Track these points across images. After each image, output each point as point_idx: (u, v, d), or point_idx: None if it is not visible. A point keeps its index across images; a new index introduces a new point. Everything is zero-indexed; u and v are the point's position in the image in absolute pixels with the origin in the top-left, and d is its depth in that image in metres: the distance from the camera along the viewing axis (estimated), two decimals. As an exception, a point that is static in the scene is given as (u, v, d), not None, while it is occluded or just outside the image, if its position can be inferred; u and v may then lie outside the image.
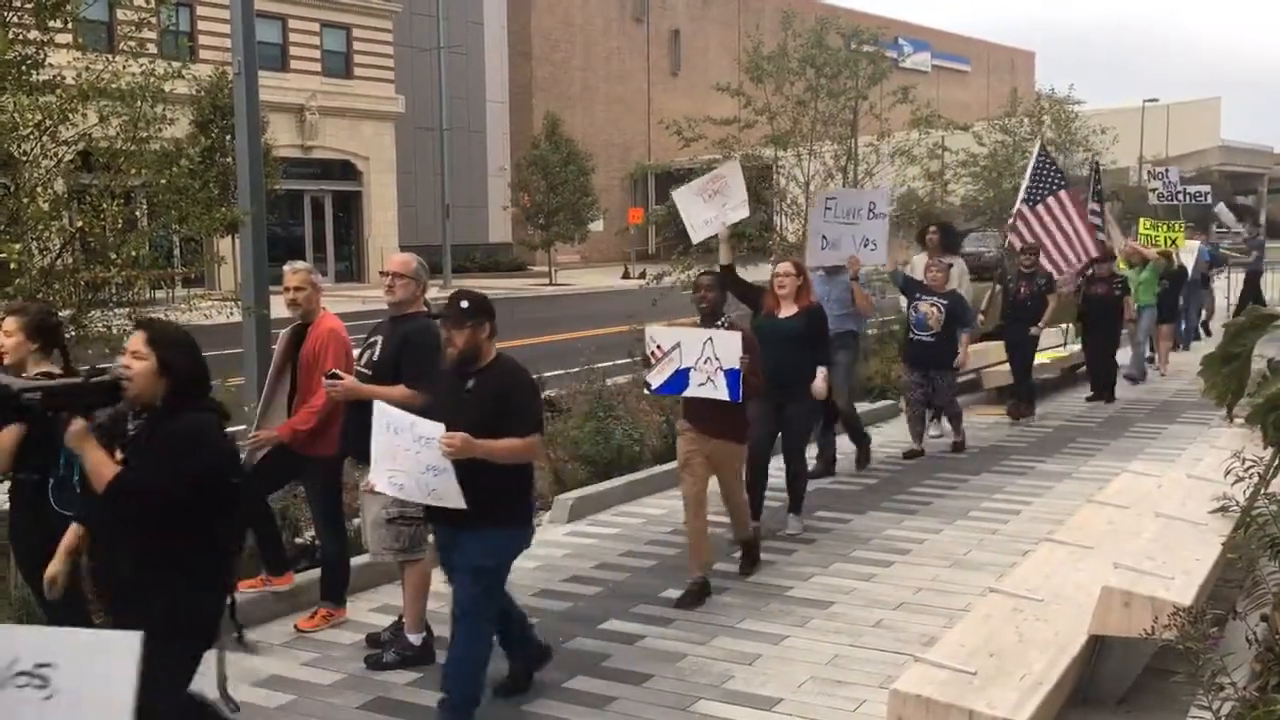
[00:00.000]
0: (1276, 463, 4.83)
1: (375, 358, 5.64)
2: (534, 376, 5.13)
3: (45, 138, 6.56)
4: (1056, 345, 14.94)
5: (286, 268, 6.09)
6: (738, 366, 6.24)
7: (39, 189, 6.47)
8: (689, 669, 5.54)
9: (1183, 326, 18.26)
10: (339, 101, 35.16)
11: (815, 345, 7.56)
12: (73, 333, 6.50)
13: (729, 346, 6.30)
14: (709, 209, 8.39)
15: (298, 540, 6.80)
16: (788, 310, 7.63)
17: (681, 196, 8.70)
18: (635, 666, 5.56)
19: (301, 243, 34.39)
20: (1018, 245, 12.50)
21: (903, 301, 11.40)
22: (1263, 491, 4.89)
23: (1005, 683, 4.27)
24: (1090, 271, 13.18)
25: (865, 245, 9.51)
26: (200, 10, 29.21)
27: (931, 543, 7.63)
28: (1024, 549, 7.01)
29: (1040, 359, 13.91)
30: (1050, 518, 7.87)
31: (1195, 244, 18.62)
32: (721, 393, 6.30)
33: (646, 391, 6.92)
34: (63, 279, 6.54)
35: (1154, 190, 22.20)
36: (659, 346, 6.51)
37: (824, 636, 5.95)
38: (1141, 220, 18.28)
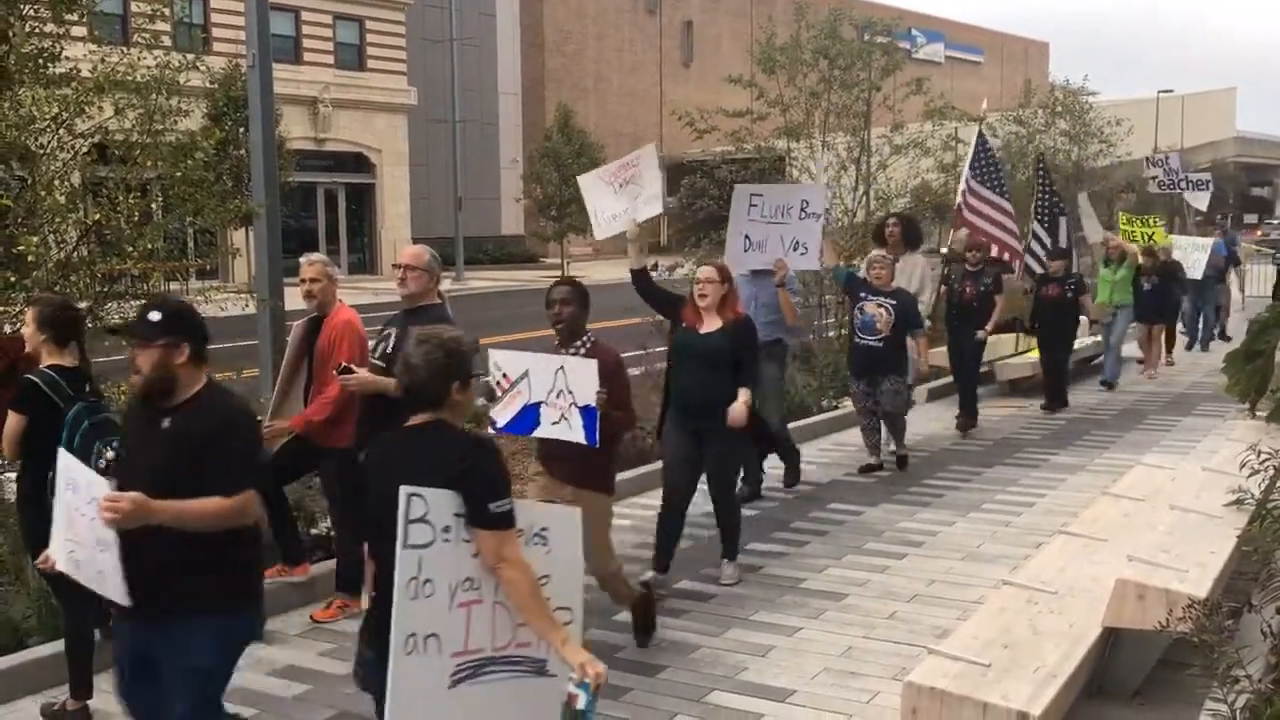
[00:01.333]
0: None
1: (389, 350, 5.65)
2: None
3: (62, 131, 6.60)
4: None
5: (303, 259, 6.11)
6: (593, 403, 5.09)
7: (56, 182, 6.51)
8: (703, 660, 5.56)
9: (1199, 327, 17.69)
10: (352, 94, 35.20)
11: (741, 365, 6.39)
12: (89, 324, 6.53)
13: (583, 378, 5.12)
14: (618, 201, 7.54)
15: (313, 531, 6.84)
16: (710, 324, 6.47)
17: (588, 184, 7.84)
18: (649, 658, 5.57)
19: (315, 235, 34.50)
20: (961, 233, 11.67)
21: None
22: (1278, 484, 4.88)
23: (1019, 675, 4.28)
24: (1044, 269, 12.48)
25: (795, 248, 8.47)
26: (214, 2, 29.28)
27: (945, 535, 7.62)
28: (1038, 541, 7.01)
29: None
30: (1064, 510, 7.85)
31: (1210, 240, 17.77)
32: (577, 434, 5.14)
33: (492, 430, 5.47)
34: (79, 271, 6.57)
35: (1153, 178, 21.53)
36: (505, 375, 5.31)
37: (837, 628, 5.95)
38: (1121, 215, 17.47)
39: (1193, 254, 16.80)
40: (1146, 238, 16.18)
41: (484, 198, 43.01)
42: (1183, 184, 21.62)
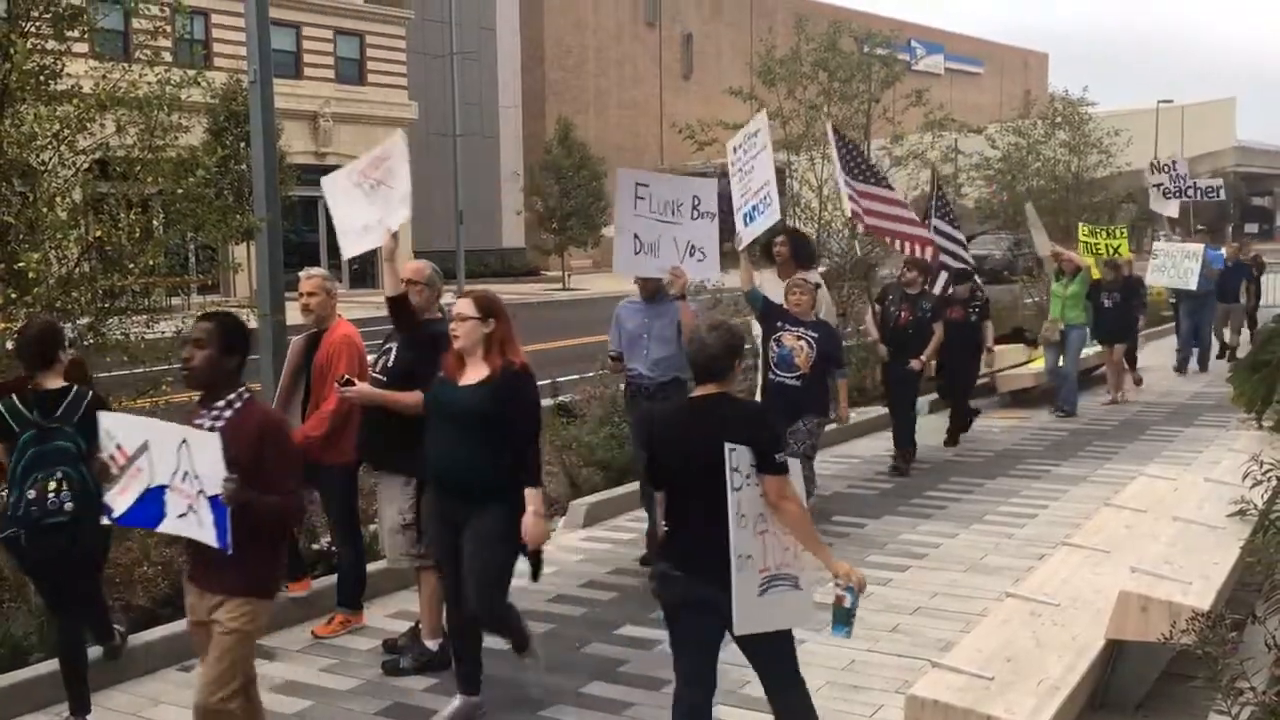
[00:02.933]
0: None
1: (390, 364, 5.65)
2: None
3: (63, 147, 6.60)
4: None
5: (302, 274, 6.12)
6: (220, 493, 3.76)
7: (57, 198, 6.51)
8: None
9: (1194, 346, 16.19)
10: (353, 108, 35.29)
11: (504, 430, 4.73)
12: (90, 340, 6.54)
13: (207, 458, 3.78)
14: (371, 208, 6.22)
15: (314, 546, 6.83)
16: (472, 374, 4.82)
17: (333, 189, 6.52)
18: (652, 672, 5.56)
19: (316, 249, 34.48)
20: (860, 229, 10.67)
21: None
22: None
23: (1022, 688, 4.27)
24: (950, 291, 11.05)
25: (691, 253, 7.29)
26: (215, 18, 29.34)
27: (947, 547, 7.61)
28: (1041, 553, 7.00)
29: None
30: (1067, 521, 7.84)
31: (1197, 247, 16.05)
32: (206, 532, 3.83)
33: (106, 520, 4.23)
34: (80, 287, 6.57)
35: (1158, 185, 19.76)
36: (119, 447, 4.08)
37: (840, 641, 5.91)
38: (1081, 226, 15.63)
39: (1182, 263, 15.48)
40: (1111, 250, 14.44)
41: (485, 211, 43.06)
42: (1191, 191, 19.97)
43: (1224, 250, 17.87)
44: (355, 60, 36.21)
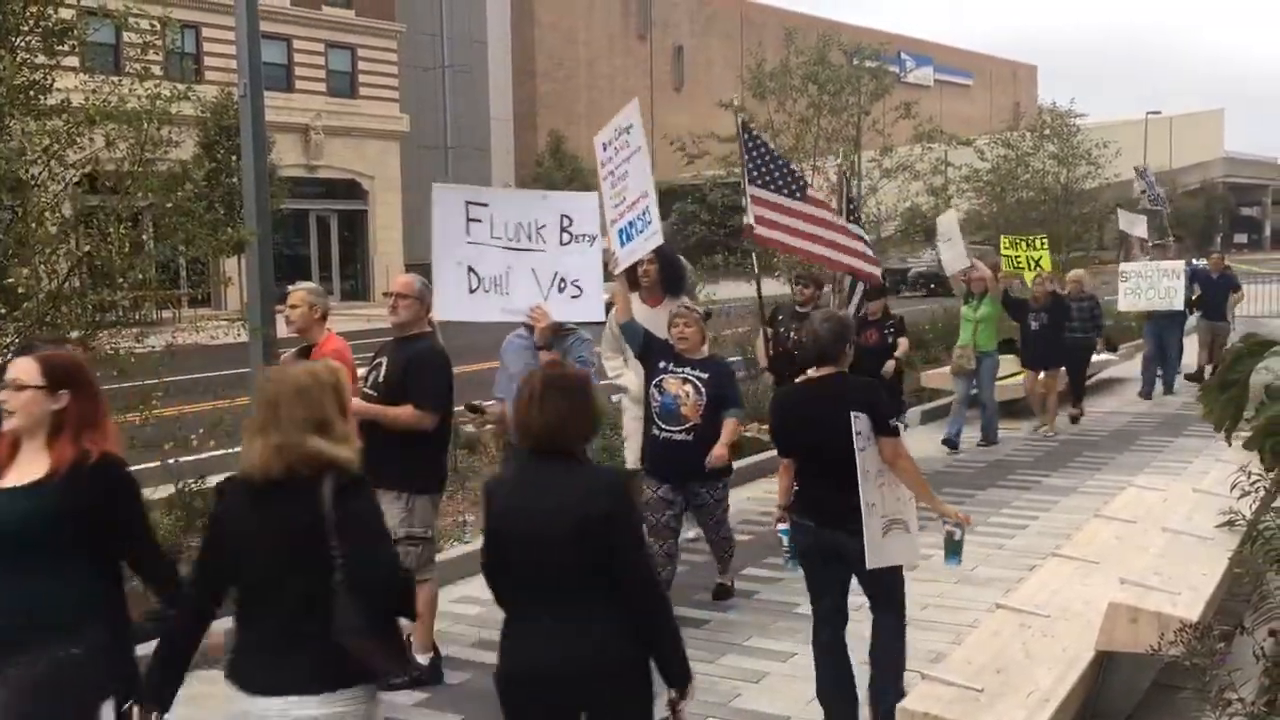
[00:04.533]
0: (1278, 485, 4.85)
1: (381, 378, 5.66)
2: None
3: (53, 162, 6.60)
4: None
5: (290, 288, 6.14)
6: None
7: (47, 213, 6.51)
8: (697, 687, 5.50)
9: (1160, 368, 14.57)
10: (344, 121, 35.33)
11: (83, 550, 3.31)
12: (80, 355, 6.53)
13: None
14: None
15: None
16: (25, 469, 3.33)
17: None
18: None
19: (307, 262, 34.50)
20: (745, 237, 9.04)
21: (631, 381, 7.29)
22: (1270, 505, 4.90)
23: (1012, 700, 4.27)
24: (861, 312, 9.83)
25: (560, 288, 6.01)
26: (205, 32, 29.37)
27: (938, 558, 7.54)
28: (1031, 564, 7.01)
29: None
30: (1057, 532, 7.86)
31: (1178, 264, 14.59)
32: None
33: None
34: (70, 302, 6.57)
35: (1143, 193, 19.37)
36: None
37: (831, 653, 5.93)
38: (1003, 238, 14.35)
39: (1161, 282, 14.03)
40: (1032, 262, 13.00)
41: (476, 223, 43.07)
42: (1153, 200, 19.33)
43: (1205, 262, 16.52)
44: (347, 73, 36.24)
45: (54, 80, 6.68)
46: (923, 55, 63.28)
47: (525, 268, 5.95)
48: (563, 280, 6.01)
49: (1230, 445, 5.77)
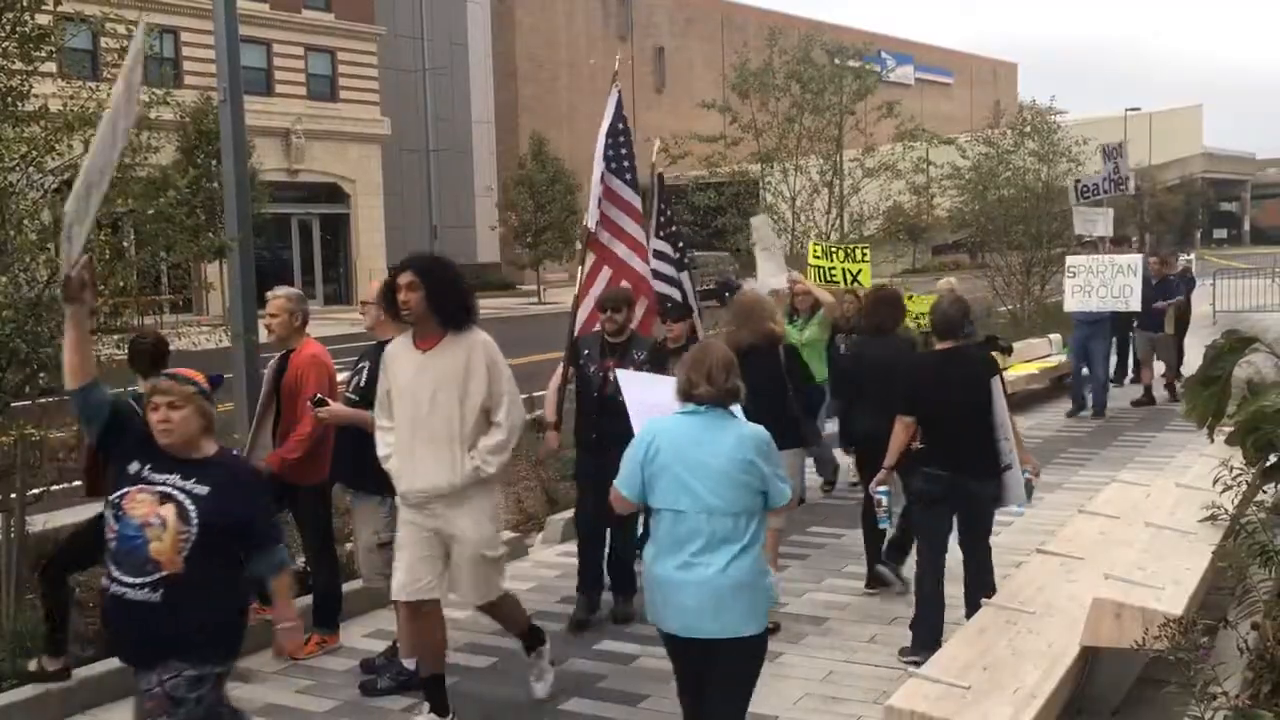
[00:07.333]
0: (1260, 480, 4.88)
1: (363, 383, 5.64)
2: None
3: (31, 168, 6.55)
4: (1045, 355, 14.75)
5: (269, 294, 6.13)
6: None
7: (25, 220, 6.45)
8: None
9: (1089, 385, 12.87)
10: (325, 125, 35.23)
11: None
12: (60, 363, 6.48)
13: None
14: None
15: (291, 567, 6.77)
16: None
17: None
18: (630, 687, 5.55)
19: (289, 267, 34.38)
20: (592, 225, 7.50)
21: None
22: (1251, 500, 4.93)
23: (999, 696, 4.29)
24: (661, 339, 7.27)
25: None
26: (184, 36, 29.24)
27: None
28: (1016, 561, 7.01)
29: (1029, 369, 13.91)
30: (1042, 529, 7.88)
31: (1134, 259, 12.80)
32: None
33: None
34: (50, 310, 6.52)
35: (1108, 178, 15.89)
36: None
37: (818, 653, 5.95)
38: (811, 245, 11.38)
39: (1115, 280, 12.28)
40: (850, 277, 10.33)
41: (459, 226, 43.02)
42: (1118, 183, 15.81)
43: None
44: (327, 76, 36.14)
45: (31, 86, 6.63)
46: (903, 54, 63.42)
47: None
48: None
49: (1213, 440, 5.81)
